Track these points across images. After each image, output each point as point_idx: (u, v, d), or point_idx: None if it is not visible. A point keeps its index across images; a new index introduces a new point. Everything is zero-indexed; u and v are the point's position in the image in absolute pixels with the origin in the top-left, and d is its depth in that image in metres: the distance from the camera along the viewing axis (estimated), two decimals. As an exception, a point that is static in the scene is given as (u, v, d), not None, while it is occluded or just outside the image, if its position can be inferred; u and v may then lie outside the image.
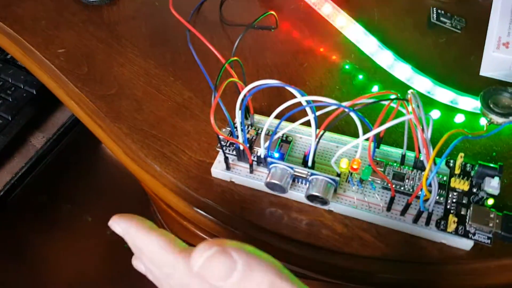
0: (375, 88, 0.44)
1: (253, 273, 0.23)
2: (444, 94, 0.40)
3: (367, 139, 0.30)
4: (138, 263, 0.31)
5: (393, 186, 0.34)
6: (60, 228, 0.80)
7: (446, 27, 0.47)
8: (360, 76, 0.45)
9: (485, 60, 0.44)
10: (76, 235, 0.81)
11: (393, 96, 0.30)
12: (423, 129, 0.29)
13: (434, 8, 0.48)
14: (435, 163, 0.29)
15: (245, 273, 0.23)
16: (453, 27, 0.47)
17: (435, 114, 0.41)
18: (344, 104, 0.30)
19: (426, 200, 0.31)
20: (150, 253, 0.27)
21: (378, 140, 0.37)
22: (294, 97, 0.31)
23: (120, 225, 0.27)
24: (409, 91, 0.30)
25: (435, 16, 0.47)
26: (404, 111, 0.31)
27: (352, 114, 0.30)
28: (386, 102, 0.31)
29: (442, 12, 0.47)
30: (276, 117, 0.32)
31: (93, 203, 0.83)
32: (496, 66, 0.44)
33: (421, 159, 0.33)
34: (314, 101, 0.31)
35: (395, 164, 0.35)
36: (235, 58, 0.34)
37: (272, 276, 0.23)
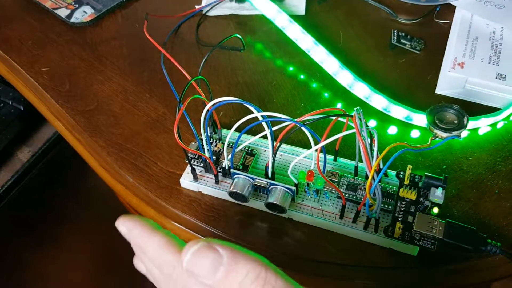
0: (338, 105, 0.47)
1: (239, 265, 0.24)
2: (399, 111, 0.43)
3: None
4: (139, 264, 0.31)
5: (346, 195, 0.37)
6: (46, 240, 0.82)
7: (406, 48, 0.50)
8: (326, 94, 0.48)
9: (441, 79, 0.48)
10: (63, 248, 0.83)
11: (340, 112, 0.33)
12: (365, 143, 0.32)
13: (395, 31, 0.51)
14: (377, 174, 0.32)
15: (230, 266, 0.24)
16: (412, 48, 0.50)
17: (392, 129, 0.44)
18: (295, 119, 0.33)
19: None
20: (151, 252, 0.27)
21: (335, 153, 0.40)
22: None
23: (125, 225, 0.28)
24: (355, 108, 0.33)
25: (395, 38, 0.50)
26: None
27: (303, 128, 0.33)
28: (333, 118, 0.34)
29: (403, 34, 0.51)
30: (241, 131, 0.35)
31: (77, 215, 0.86)
32: (451, 85, 0.47)
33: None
34: (269, 116, 0.33)
35: (349, 175, 0.38)
36: (200, 76, 0.37)
37: (258, 268, 0.24)
